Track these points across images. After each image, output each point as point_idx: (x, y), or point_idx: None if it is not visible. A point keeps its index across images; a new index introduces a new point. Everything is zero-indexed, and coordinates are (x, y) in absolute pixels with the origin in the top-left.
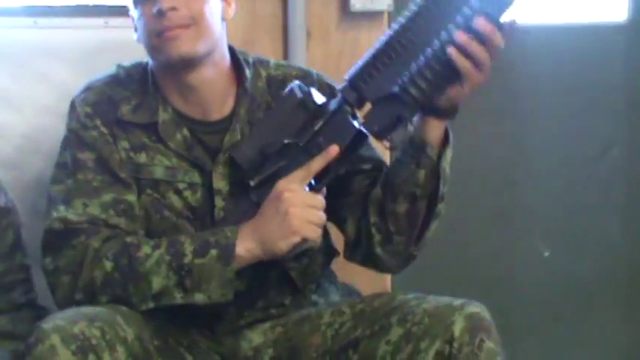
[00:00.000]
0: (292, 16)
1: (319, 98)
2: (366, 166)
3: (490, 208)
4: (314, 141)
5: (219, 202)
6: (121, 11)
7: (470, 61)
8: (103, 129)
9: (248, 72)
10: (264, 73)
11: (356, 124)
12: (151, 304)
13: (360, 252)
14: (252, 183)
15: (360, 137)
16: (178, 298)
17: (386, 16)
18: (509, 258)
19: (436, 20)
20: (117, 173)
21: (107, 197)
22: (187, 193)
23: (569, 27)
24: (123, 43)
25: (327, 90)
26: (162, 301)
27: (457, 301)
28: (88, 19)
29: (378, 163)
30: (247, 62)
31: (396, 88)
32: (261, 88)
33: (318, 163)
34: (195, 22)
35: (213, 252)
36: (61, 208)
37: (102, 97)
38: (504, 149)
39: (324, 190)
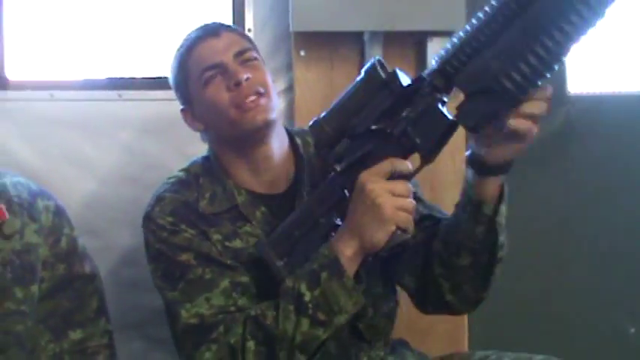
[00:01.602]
0: None
1: (404, 80)
2: (424, 224)
3: (579, 280)
4: (402, 128)
5: None
6: None
7: (534, 121)
8: (191, 231)
9: (298, 140)
10: (310, 140)
11: (448, 114)
12: (302, 358)
13: (430, 301)
14: (338, 168)
15: (451, 129)
16: (321, 333)
17: None
18: (593, 333)
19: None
20: (222, 261)
21: (224, 284)
22: None
23: None
24: None
25: None
26: (310, 347)
27: (537, 357)
28: (169, 91)
29: (432, 216)
30: (291, 132)
31: (492, 80)
32: (312, 153)
33: (404, 166)
34: (265, 91)
35: (324, 275)
36: (188, 305)
37: (177, 203)
38: (581, 220)
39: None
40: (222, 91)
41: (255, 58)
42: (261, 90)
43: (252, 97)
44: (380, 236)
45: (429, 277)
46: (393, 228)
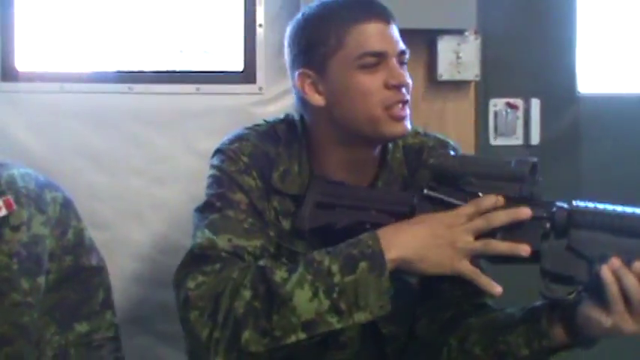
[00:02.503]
0: None
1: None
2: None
3: None
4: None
5: None
6: (212, 78)
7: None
8: (259, 182)
9: (390, 145)
10: (400, 143)
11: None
12: (302, 335)
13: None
14: (425, 191)
15: (534, 258)
16: (335, 323)
17: (473, 85)
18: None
19: None
20: (266, 227)
21: (256, 242)
22: None
23: None
24: (213, 109)
25: None
26: (316, 330)
27: None
28: (180, 85)
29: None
30: None
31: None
32: (399, 159)
33: (500, 219)
34: (409, 101)
35: (363, 265)
36: (207, 231)
37: (257, 150)
38: None
39: None
40: (378, 85)
41: (407, 62)
42: (408, 99)
43: (406, 106)
44: (430, 271)
45: (441, 340)
46: (448, 272)
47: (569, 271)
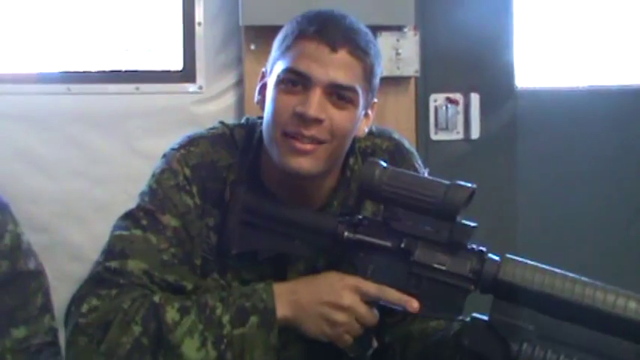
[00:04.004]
0: None
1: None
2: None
3: None
4: (426, 277)
5: None
6: (153, 77)
7: None
8: (197, 200)
9: (351, 160)
10: (357, 148)
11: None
12: None
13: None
14: (346, 234)
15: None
16: None
17: (413, 81)
18: None
19: None
20: (191, 257)
21: (169, 277)
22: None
23: (597, 90)
24: (153, 109)
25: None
26: None
27: None
28: (119, 85)
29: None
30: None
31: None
32: (357, 170)
33: (393, 297)
34: (332, 139)
35: (254, 319)
36: (122, 250)
37: (205, 158)
38: (530, 214)
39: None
40: (288, 107)
41: (352, 102)
42: (325, 138)
43: (309, 143)
44: (312, 334)
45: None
46: (325, 340)
47: (487, 351)
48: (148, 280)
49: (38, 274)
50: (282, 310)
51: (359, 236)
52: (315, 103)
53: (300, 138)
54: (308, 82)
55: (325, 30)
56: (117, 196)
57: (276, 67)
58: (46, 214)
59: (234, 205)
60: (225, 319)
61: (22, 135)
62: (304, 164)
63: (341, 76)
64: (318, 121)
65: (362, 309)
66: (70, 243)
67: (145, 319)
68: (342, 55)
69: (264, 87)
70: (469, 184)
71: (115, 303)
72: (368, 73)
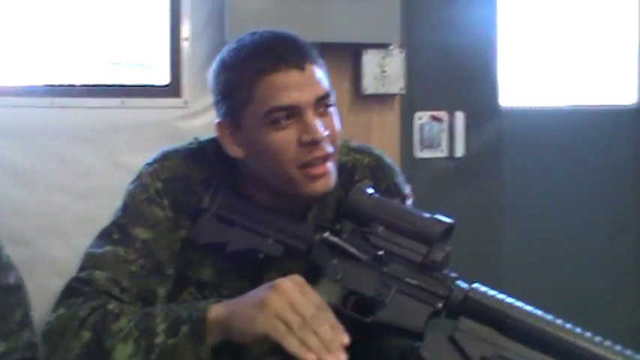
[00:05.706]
0: None
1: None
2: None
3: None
4: (392, 290)
5: None
6: (137, 92)
7: None
8: (169, 212)
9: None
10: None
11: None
12: None
13: None
14: (326, 234)
15: (417, 337)
16: None
17: (398, 98)
18: None
19: None
20: (162, 266)
21: (139, 288)
22: None
23: (580, 110)
24: (138, 123)
25: (394, 192)
26: None
27: None
28: (104, 99)
29: None
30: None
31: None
32: (336, 184)
33: (324, 331)
34: (335, 146)
35: (185, 329)
36: (92, 264)
37: (177, 173)
38: (514, 232)
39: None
40: (290, 142)
41: (333, 103)
42: (332, 150)
43: (326, 162)
44: (244, 331)
45: None
46: (260, 332)
47: None
48: (118, 290)
49: (18, 289)
50: (213, 312)
51: (333, 239)
52: (316, 125)
53: (318, 163)
54: (297, 110)
55: (283, 56)
56: (100, 211)
57: (247, 112)
58: (27, 228)
59: (213, 204)
60: (161, 328)
61: (5, 148)
62: (328, 183)
63: (319, 89)
64: (327, 136)
65: (295, 294)
66: (51, 257)
67: (94, 326)
68: (309, 69)
69: (229, 133)
70: (447, 219)
71: (74, 310)
72: (326, 71)
